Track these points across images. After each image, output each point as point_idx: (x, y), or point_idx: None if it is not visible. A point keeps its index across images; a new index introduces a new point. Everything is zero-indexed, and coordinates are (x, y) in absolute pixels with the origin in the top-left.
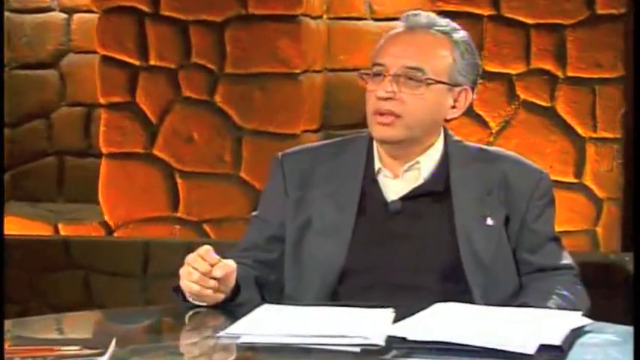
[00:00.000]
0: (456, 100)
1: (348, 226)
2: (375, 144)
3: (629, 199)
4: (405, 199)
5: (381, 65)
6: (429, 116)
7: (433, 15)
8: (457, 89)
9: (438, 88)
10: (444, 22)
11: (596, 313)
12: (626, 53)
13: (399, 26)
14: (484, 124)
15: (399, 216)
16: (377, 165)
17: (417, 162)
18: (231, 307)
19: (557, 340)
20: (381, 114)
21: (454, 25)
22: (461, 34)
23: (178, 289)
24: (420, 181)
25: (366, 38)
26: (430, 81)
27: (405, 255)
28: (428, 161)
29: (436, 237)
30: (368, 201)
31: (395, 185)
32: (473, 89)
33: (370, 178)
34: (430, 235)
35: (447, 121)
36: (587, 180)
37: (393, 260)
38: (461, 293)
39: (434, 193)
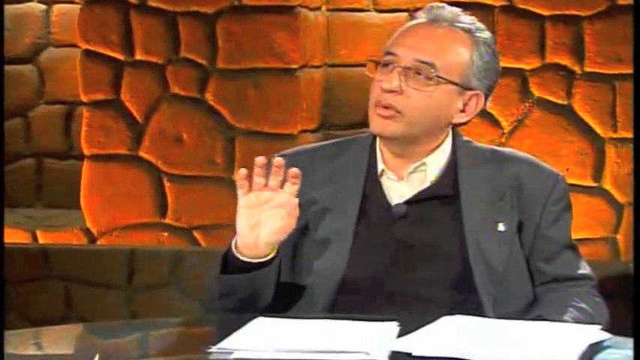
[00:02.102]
0: (465, 105)
1: (349, 232)
2: (378, 144)
3: None
4: (410, 202)
5: (392, 55)
6: (433, 117)
7: (458, 10)
8: (469, 93)
9: (448, 89)
10: (469, 20)
11: (615, 327)
12: None
13: (420, 17)
14: (495, 123)
15: (404, 221)
16: (380, 166)
17: (424, 163)
18: (229, 321)
19: (573, 356)
20: (383, 106)
21: (480, 24)
22: (485, 35)
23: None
24: (427, 184)
25: (369, 31)
26: (440, 80)
27: (410, 263)
28: (435, 163)
29: (444, 244)
30: (370, 205)
31: (399, 188)
32: (487, 96)
33: (373, 180)
34: (437, 241)
35: (453, 125)
36: (607, 183)
37: (396, 269)
38: (470, 305)
39: (441, 197)
